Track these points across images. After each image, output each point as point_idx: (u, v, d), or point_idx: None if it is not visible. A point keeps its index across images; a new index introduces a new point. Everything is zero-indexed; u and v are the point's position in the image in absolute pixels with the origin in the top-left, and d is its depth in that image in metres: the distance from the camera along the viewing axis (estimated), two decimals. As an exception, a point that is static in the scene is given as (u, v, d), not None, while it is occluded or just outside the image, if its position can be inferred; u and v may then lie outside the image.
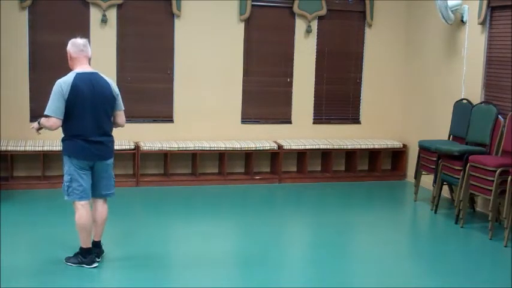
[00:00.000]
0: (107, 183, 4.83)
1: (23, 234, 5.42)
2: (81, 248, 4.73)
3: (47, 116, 4.53)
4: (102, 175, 4.77)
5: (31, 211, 6.20)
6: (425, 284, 4.77)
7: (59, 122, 4.52)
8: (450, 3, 6.91)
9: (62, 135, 4.69)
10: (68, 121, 4.55)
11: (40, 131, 4.75)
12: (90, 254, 4.73)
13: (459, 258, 5.42)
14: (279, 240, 5.77)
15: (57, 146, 7.00)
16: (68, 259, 4.77)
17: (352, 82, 8.37)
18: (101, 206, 4.85)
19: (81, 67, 4.64)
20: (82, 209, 4.66)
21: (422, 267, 5.21)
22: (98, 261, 4.77)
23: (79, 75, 4.56)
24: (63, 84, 4.51)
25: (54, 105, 4.48)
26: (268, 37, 7.97)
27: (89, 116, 4.56)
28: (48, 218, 5.97)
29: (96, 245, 4.83)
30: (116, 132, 7.45)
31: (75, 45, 4.66)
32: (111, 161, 4.81)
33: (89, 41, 7.29)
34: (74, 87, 4.49)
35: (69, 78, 4.55)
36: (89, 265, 4.70)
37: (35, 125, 4.70)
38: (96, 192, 4.80)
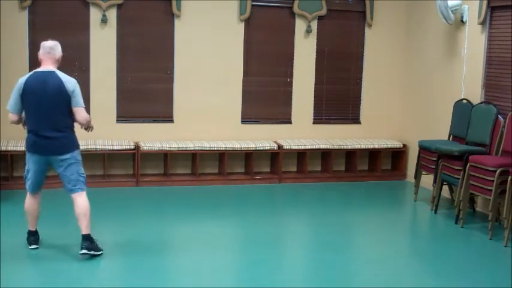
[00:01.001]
0: (70, 179, 4.95)
1: (23, 234, 5.40)
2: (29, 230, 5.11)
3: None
4: (61, 171, 4.95)
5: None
6: (425, 284, 4.77)
7: (15, 117, 4.90)
8: (450, 3, 6.91)
9: None
10: (26, 117, 4.91)
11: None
12: (29, 236, 5.09)
13: (459, 258, 5.42)
14: (279, 240, 5.77)
15: (57, 146, 7.01)
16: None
17: (352, 82, 8.37)
18: (76, 201, 4.97)
19: (43, 67, 4.93)
20: (28, 197, 5.05)
21: (422, 267, 5.21)
22: (35, 247, 5.07)
23: (34, 74, 4.90)
24: (19, 82, 4.88)
25: (12, 101, 4.88)
26: (268, 37, 7.97)
27: (40, 112, 4.82)
28: (48, 218, 5.96)
29: (85, 238, 4.90)
30: (116, 132, 7.53)
31: (42, 47, 4.96)
32: (67, 156, 4.92)
33: (89, 41, 7.40)
34: (26, 85, 4.83)
35: (24, 76, 4.91)
36: (30, 245, 5.06)
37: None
38: (64, 187, 5.02)
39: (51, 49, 4.95)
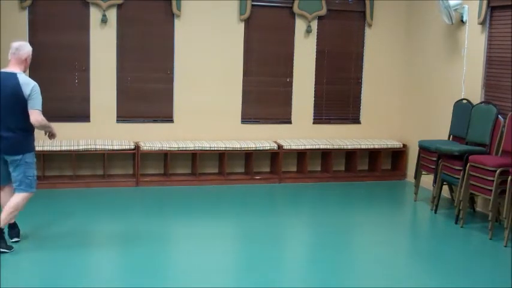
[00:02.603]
0: (16, 179, 5.05)
1: (23, 234, 5.40)
2: None
3: None
4: (11, 169, 5.06)
5: (31, 211, 6.19)
6: (425, 284, 4.77)
7: None
8: (452, 2, 6.91)
9: None
10: None
11: None
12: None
13: (459, 258, 5.42)
14: (279, 240, 5.77)
15: (57, 146, 7.01)
16: None
17: (352, 82, 8.37)
18: (13, 196, 5.08)
19: (7, 68, 5.01)
20: None
21: (422, 267, 5.21)
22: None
23: None
24: None
25: None
26: (268, 37, 7.97)
27: None
28: (48, 218, 5.97)
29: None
30: (116, 132, 7.53)
31: (10, 47, 5.01)
32: (17, 157, 5.01)
33: (89, 41, 7.40)
34: None
35: None
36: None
37: None
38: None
39: (16, 50, 5.01)
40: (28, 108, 4.93)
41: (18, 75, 4.95)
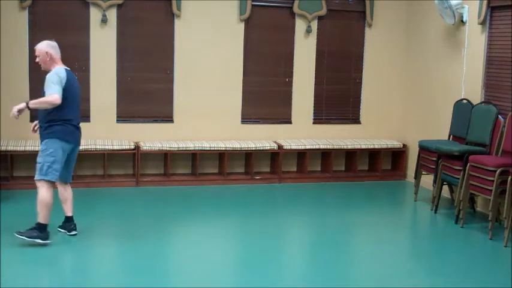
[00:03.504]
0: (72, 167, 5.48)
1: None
2: (40, 224, 5.13)
3: None
4: (73, 158, 5.44)
5: (31, 211, 6.19)
6: (425, 284, 4.77)
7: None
8: (453, 2, 6.90)
9: None
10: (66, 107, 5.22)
11: None
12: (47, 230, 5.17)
13: (459, 258, 5.42)
14: (279, 240, 5.77)
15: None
16: (21, 232, 5.10)
17: (352, 82, 8.37)
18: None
19: (61, 64, 5.27)
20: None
21: (422, 267, 5.21)
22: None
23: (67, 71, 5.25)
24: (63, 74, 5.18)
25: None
26: (268, 37, 7.97)
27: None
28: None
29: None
30: (116, 132, 7.54)
31: (55, 47, 5.26)
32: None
33: (89, 41, 7.41)
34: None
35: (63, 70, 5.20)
36: (44, 240, 5.09)
37: None
38: None
39: (57, 47, 5.29)
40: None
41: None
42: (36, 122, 5.31)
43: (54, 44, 5.26)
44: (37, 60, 5.27)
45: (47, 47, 5.20)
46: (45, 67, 5.25)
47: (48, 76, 5.11)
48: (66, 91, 5.09)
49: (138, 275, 4.68)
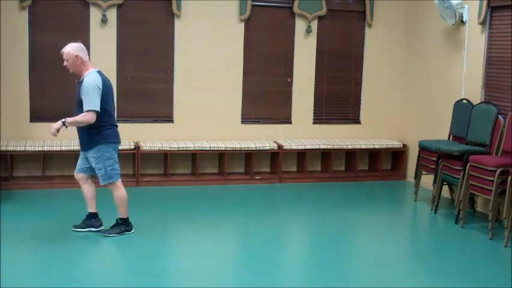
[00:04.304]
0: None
1: (23, 234, 5.41)
2: (123, 219, 5.52)
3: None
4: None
5: (31, 211, 6.20)
6: (425, 284, 4.77)
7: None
8: (454, 2, 6.90)
9: None
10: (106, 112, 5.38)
11: None
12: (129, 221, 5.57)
13: (459, 258, 5.42)
14: (279, 240, 5.77)
15: (57, 146, 7.01)
16: (108, 231, 5.46)
17: (352, 82, 8.37)
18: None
19: (94, 67, 5.34)
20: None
21: (422, 267, 5.21)
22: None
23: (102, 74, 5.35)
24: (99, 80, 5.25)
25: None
26: (268, 37, 7.97)
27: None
28: (48, 218, 5.97)
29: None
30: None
31: (83, 49, 5.27)
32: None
33: (89, 41, 7.42)
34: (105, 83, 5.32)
35: (98, 75, 5.27)
36: (130, 231, 5.53)
37: None
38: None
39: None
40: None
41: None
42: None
43: (82, 46, 5.28)
44: (65, 64, 5.26)
45: (76, 51, 5.21)
46: (75, 71, 5.28)
47: (87, 86, 5.14)
48: (107, 95, 5.24)
49: (138, 275, 4.68)
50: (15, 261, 4.83)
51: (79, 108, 5.22)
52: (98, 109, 5.13)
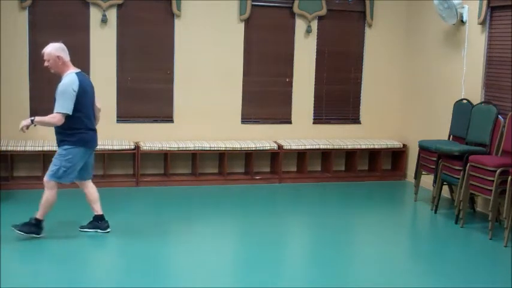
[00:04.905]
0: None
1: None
2: (38, 220, 5.29)
3: None
4: (91, 160, 5.54)
5: (31, 211, 6.19)
6: (425, 284, 4.77)
7: None
8: (456, 2, 6.90)
9: None
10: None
11: None
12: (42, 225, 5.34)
13: (459, 258, 5.42)
14: (279, 240, 5.77)
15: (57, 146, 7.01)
16: (19, 228, 5.25)
17: (352, 82, 8.37)
18: None
19: (74, 68, 5.29)
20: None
21: (422, 267, 5.21)
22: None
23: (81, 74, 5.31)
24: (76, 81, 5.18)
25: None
26: (268, 37, 7.97)
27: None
28: (48, 218, 5.96)
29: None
30: (116, 132, 7.55)
31: (65, 49, 5.25)
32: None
33: (89, 41, 7.42)
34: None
35: (76, 76, 5.21)
36: (39, 234, 5.28)
37: None
38: None
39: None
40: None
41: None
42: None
43: (63, 46, 5.25)
44: (46, 64, 5.23)
45: (57, 51, 5.18)
46: (56, 71, 5.26)
47: (62, 88, 5.11)
48: (83, 97, 5.15)
49: (138, 274, 4.68)
50: (15, 261, 4.83)
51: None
52: (69, 112, 5.07)
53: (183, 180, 7.56)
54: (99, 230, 5.50)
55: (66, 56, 5.21)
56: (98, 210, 5.53)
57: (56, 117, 5.09)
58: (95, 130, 5.35)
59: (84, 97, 5.17)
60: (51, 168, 5.25)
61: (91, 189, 5.51)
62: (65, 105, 5.06)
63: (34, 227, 5.25)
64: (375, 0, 8.14)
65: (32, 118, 5.17)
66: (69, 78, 5.14)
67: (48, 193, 5.27)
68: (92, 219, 5.55)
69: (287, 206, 7.07)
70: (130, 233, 5.65)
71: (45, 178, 5.28)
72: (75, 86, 5.10)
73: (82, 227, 5.54)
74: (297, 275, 4.96)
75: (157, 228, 5.84)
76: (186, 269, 4.94)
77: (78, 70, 5.28)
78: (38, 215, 5.27)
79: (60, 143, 5.28)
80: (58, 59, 5.17)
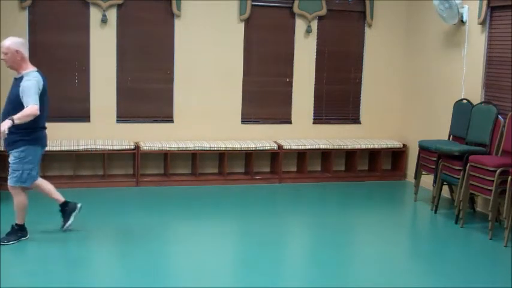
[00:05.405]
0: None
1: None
2: (20, 225, 5.28)
3: None
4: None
5: (31, 211, 6.19)
6: (425, 284, 4.77)
7: None
8: (457, 1, 6.90)
9: None
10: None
11: None
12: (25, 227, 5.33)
13: (459, 258, 5.42)
14: (279, 240, 5.77)
15: (57, 146, 7.01)
16: (7, 239, 5.15)
17: (352, 82, 8.37)
18: None
19: (32, 66, 5.17)
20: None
21: (422, 267, 5.21)
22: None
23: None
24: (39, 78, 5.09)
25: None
26: (268, 37, 7.97)
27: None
28: (48, 218, 5.96)
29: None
30: (116, 132, 7.55)
31: (25, 45, 5.21)
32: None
33: (89, 41, 7.42)
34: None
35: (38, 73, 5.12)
36: (26, 236, 5.26)
37: None
38: None
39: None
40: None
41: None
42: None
43: (24, 41, 5.16)
44: (3, 57, 5.06)
45: (17, 45, 5.05)
46: (13, 66, 5.09)
47: (29, 84, 4.96)
48: (44, 96, 5.07)
49: (138, 275, 4.68)
50: (15, 261, 4.83)
51: (11, 107, 5.01)
52: (38, 105, 4.95)
53: (183, 180, 7.56)
54: (72, 217, 5.48)
55: (25, 51, 5.10)
56: (60, 198, 5.45)
57: (34, 107, 4.90)
58: (46, 128, 5.25)
59: (45, 96, 5.10)
60: (13, 174, 5.11)
61: (42, 183, 5.39)
62: (36, 99, 4.94)
63: (19, 232, 5.24)
64: (375, 0, 8.15)
65: (11, 118, 4.86)
66: (34, 76, 5.03)
67: (18, 199, 5.22)
68: (59, 209, 5.49)
69: (287, 206, 7.08)
70: (130, 233, 5.65)
71: (10, 185, 5.16)
72: (41, 84, 5.03)
73: (64, 224, 5.49)
74: (297, 275, 4.96)
75: (157, 228, 5.84)
76: (186, 269, 4.94)
77: (37, 68, 5.16)
78: (18, 220, 5.25)
79: (13, 144, 5.04)
80: (17, 53, 5.02)
